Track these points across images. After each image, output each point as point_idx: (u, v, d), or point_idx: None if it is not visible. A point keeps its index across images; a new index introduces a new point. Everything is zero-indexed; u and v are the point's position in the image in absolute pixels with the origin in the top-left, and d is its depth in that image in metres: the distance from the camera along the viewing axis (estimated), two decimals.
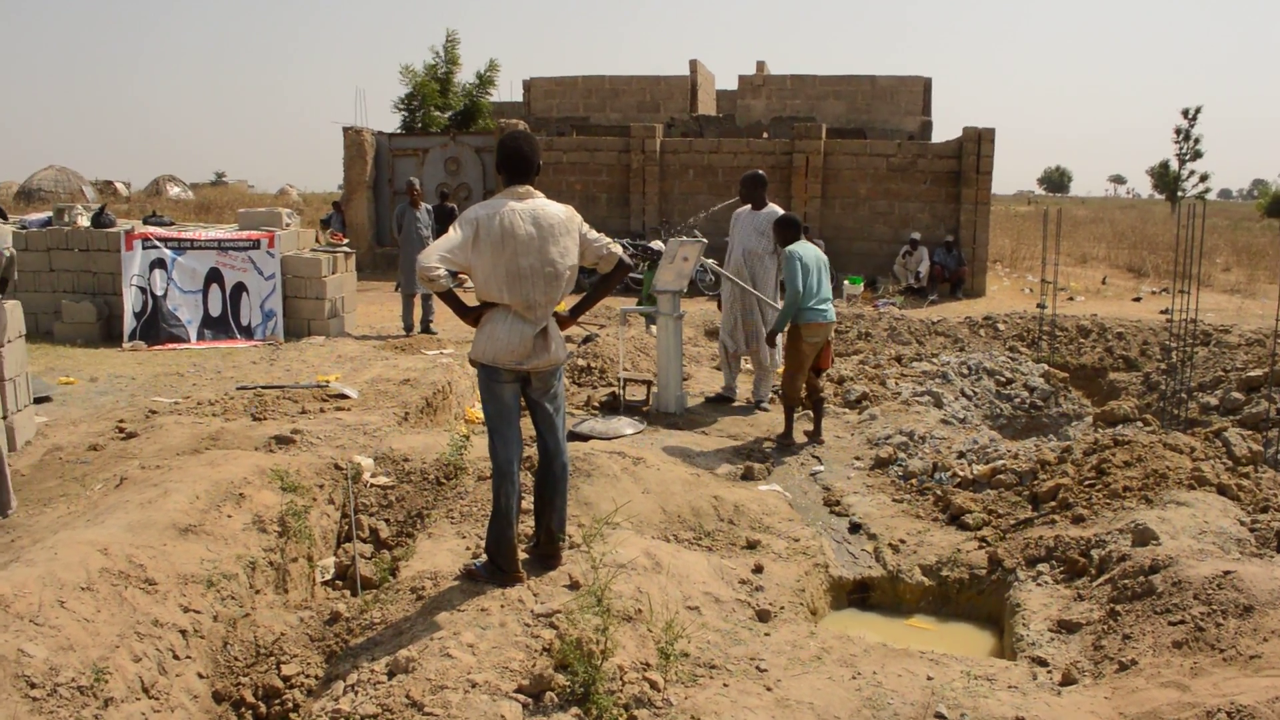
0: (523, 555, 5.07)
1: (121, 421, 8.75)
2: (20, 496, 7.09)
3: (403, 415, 8.90)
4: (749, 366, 9.90)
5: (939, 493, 6.61)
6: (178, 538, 5.64)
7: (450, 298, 4.67)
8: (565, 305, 5.30)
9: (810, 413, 8.39)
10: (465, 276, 4.74)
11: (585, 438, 7.89)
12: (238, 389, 9.95)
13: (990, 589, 5.54)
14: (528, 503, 6.16)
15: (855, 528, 6.33)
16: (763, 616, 4.88)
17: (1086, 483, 6.21)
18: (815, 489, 7.11)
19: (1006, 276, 23.78)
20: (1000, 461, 6.75)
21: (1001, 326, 13.87)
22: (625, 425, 8.12)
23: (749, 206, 9.26)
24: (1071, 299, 19.40)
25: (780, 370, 10.33)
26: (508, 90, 27.62)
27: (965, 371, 9.90)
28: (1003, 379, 9.93)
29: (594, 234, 4.85)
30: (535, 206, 4.65)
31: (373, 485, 7.20)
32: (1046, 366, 10.49)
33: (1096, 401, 11.12)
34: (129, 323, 12.83)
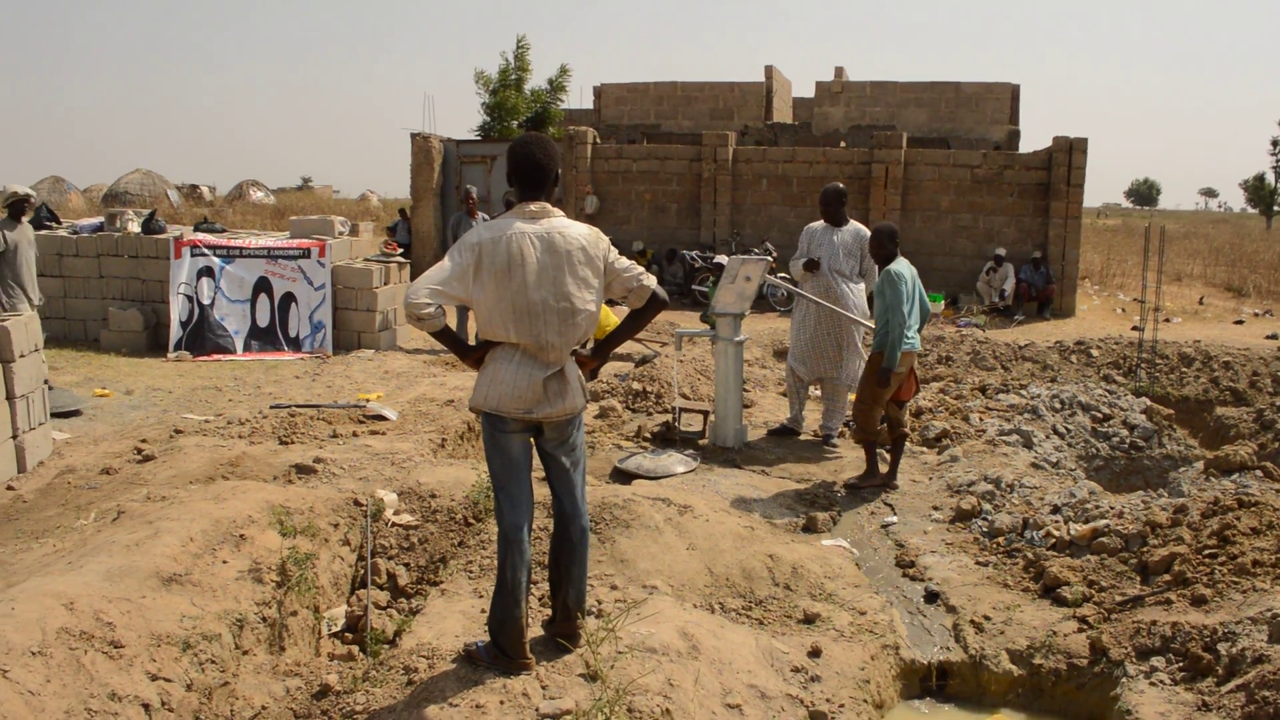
0: (536, 633, 4.34)
1: (143, 442, 8.24)
2: (15, 527, 6.56)
3: (439, 442, 8.25)
4: (817, 393, 9.05)
5: (1030, 556, 5.73)
6: (159, 589, 5.02)
7: (446, 336, 3.95)
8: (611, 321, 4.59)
9: (885, 450, 7.54)
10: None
11: (631, 476, 7.15)
12: (271, 408, 9.40)
13: (1093, 684, 4.65)
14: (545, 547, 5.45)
15: (932, 596, 5.48)
16: (818, 719, 4.08)
17: (1207, 553, 5.29)
18: (886, 545, 6.27)
19: (1096, 295, 22.51)
20: (1103, 521, 5.84)
21: (1095, 352, 12.80)
22: (676, 463, 7.36)
23: (822, 223, 8.45)
24: (1168, 320, 18.15)
25: (853, 397, 9.49)
26: (578, 97, 27.19)
27: (1057, 406, 8.94)
28: (1099, 414, 8.95)
29: (624, 262, 4.09)
30: (550, 228, 3.90)
31: (394, 524, 6.54)
32: (1148, 401, 9.48)
33: (1203, 440, 10.07)
34: (175, 332, 12.45)
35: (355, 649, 5.74)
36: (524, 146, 3.93)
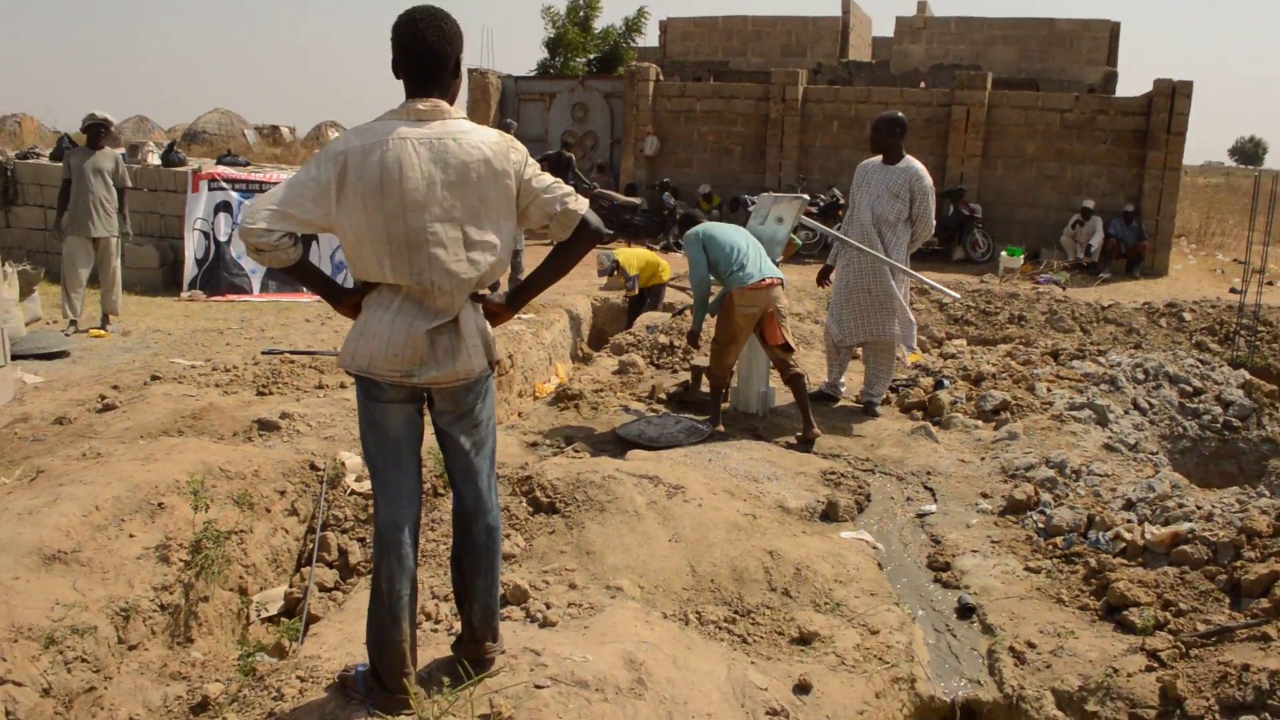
0: (443, 653, 3.46)
1: (113, 389, 7.56)
2: None
3: None
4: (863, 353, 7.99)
5: (1093, 564, 4.67)
6: (38, 569, 4.27)
7: (305, 272, 3.03)
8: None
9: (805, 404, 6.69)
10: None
11: (630, 445, 6.21)
12: (262, 353, 8.65)
13: None
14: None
15: (967, 611, 4.47)
16: None
17: None
18: (920, 540, 5.26)
19: (1193, 254, 20.86)
20: (1186, 524, 4.75)
21: (1188, 316, 11.47)
22: (684, 431, 6.40)
23: (879, 159, 7.34)
24: (1270, 284, 16.56)
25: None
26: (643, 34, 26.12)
27: (1140, 376, 7.74)
28: (1188, 388, 7.75)
29: (544, 179, 3.11)
30: (443, 133, 2.94)
31: (354, 492, 5.74)
32: (1246, 374, 8.23)
33: None
34: (189, 270, 11.80)
35: (287, 640, 4.93)
36: (410, 25, 2.94)
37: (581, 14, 27.03)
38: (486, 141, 2.99)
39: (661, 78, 20.77)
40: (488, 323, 3.18)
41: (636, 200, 18.43)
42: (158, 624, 4.40)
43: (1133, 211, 17.08)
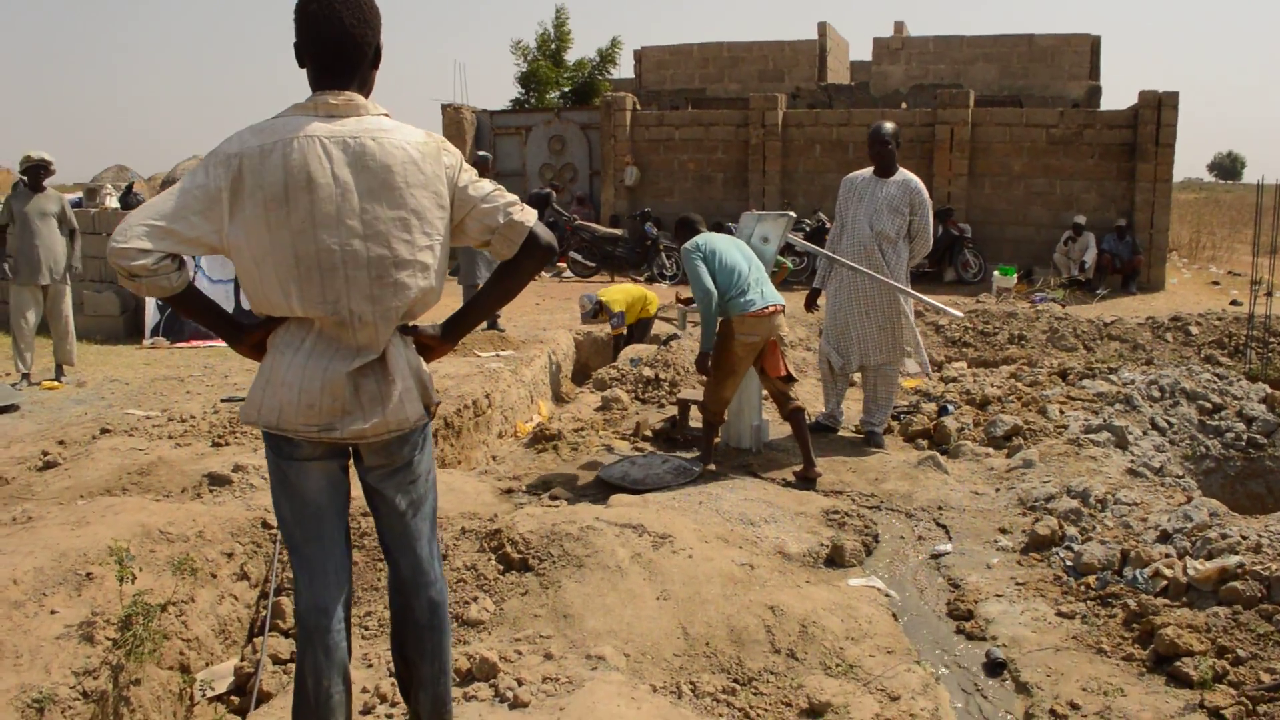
0: None
1: (59, 444, 7.06)
2: None
3: None
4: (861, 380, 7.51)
5: (1133, 606, 4.18)
6: None
7: (192, 302, 2.53)
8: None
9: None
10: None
11: (613, 488, 5.70)
12: (222, 402, 8.14)
13: None
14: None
15: (996, 667, 3.97)
16: None
17: None
18: (937, 584, 4.75)
19: (1186, 268, 20.53)
20: (1234, 558, 4.26)
21: (1194, 330, 11.05)
22: (671, 471, 5.89)
23: (869, 171, 6.92)
24: (1270, 294, 16.19)
25: (897, 387, 7.99)
26: (618, 64, 25.70)
27: (1156, 394, 7.28)
28: (1207, 404, 7.29)
29: (484, 186, 2.63)
30: (359, 132, 2.46)
31: None
32: (1266, 388, 7.78)
33: None
34: (151, 317, 11.31)
35: None
36: (323, 2, 2.46)
37: (553, 46, 26.70)
38: (412, 141, 2.51)
39: (639, 107, 20.42)
40: (421, 359, 2.68)
41: (619, 231, 18.02)
42: (79, 714, 3.86)
43: (1125, 226, 16.71)
